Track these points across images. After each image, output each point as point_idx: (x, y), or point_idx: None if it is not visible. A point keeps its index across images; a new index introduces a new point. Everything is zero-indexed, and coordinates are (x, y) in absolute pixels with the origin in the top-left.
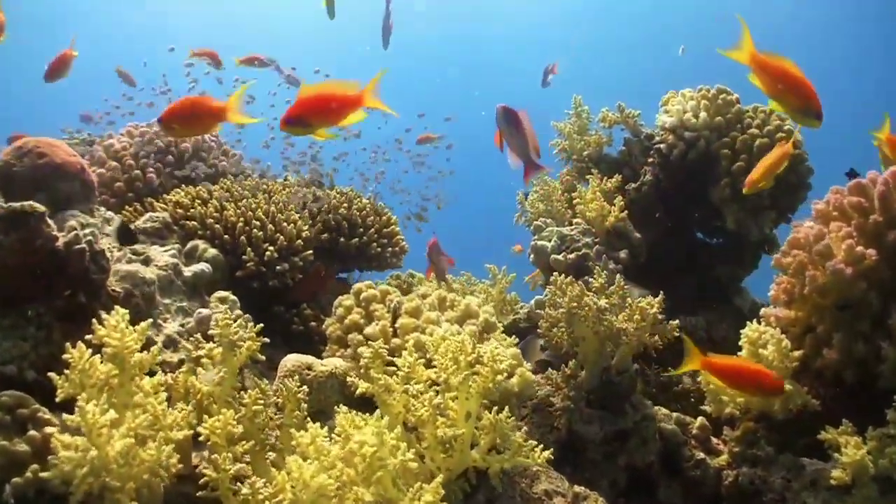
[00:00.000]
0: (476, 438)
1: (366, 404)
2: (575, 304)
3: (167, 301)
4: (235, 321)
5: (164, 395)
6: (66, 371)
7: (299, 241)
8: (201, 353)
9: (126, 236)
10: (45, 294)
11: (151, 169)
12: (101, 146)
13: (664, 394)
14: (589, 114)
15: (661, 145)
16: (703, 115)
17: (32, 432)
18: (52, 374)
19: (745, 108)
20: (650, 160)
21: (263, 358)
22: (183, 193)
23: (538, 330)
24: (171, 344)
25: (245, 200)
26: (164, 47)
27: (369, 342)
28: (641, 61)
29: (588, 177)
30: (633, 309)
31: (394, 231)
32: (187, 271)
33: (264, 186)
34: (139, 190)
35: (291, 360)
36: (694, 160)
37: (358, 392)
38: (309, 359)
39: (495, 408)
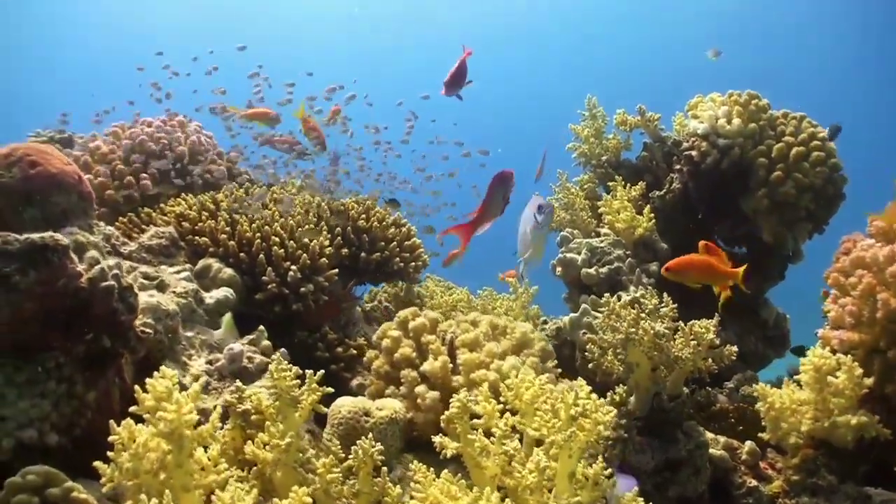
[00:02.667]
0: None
1: (423, 446)
2: (632, 329)
3: (189, 334)
4: (291, 370)
5: (225, 472)
6: (111, 454)
7: (323, 259)
8: (248, 406)
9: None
10: (64, 339)
11: (145, 175)
12: (86, 149)
13: (700, 413)
14: (605, 116)
15: (693, 152)
16: (736, 121)
17: None
18: (98, 464)
19: (776, 113)
20: (677, 167)
21: (327, 411)
22: (186, 204)
23: (585, 353)
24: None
25: (259, 212)
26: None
27: (429, 381)
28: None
29: (611, 184)
30: (686, 332)
31: (415, 244)
32: (209, 298)
33: (275, 196)
34: (132, 198)
35: (346, 405)
36: (727, 168)
37: (449, 454)
38: (364, 402)
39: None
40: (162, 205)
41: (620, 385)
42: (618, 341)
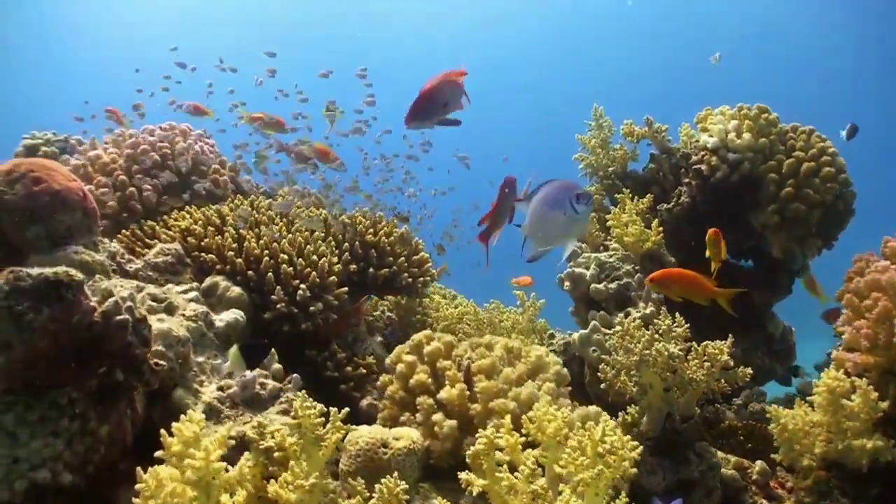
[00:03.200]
0: None
1: (439, 474)
2: (647, 351)
3: (200, 359)
4: (315, 407)
5: None
6: (137, 501)
7: (332, 277)
8: (271, 444)
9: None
10: (77, 374)
11: (148, 186)
12: (87, 158)
13: (709, 431)
14: (611, 126)
15: (702, 166)
16: (746, 135)
17: None
18: None
19: (785, 126)
20: (685, 180)
21: (351, 450)
22: (192, 218)
23: (598, 374)
24: (212, 414)
25: (266, 228)
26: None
27: (445, 409)
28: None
29: (619, 196)
30: (700, 353)
31: (423, 259)
32: (219, 321)
33: (297, 212)
34: (135, 210)
35: (363, 436)
36: (736, 183)
37: (475, 492)
38: (381, 432)
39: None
40: (165, 217)
41: (633, 405)
42: (632, 363)
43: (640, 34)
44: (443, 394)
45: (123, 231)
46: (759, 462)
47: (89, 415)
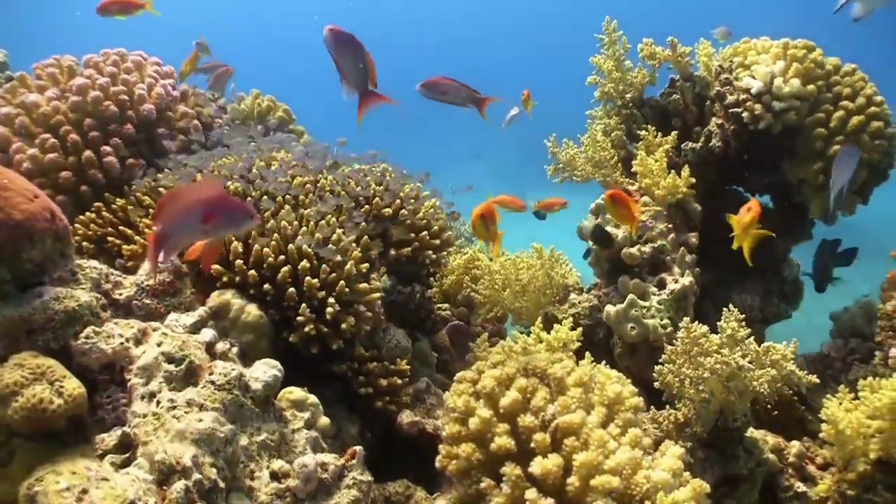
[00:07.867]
0: None
1: None
2: (718, 365)
3: (244, 441)
4: None
5: None
6: None
7: (363, 284)
8: None
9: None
10: None
11: (107, 147)
12: (20, 104)
13: None
14: (626, 42)
15: (743, 113)
16: (794, 81)
17: None
18: None
19: (829, 65)
20: (719, 121)
21: None
22: None
23: (654, 375)
24: None
25: (274, 221)
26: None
27: (538, 484)
28: None
29: (642, 133)
30: (761, 357)
31: (443, 226)
32: (255, 383)
33: (281, 179)
34: (97, 181)
35: None
36: (778, 133)
37: None
38: None
39: None
40: (138, 194)
41: (684, 402)
42: (699, 376)
43: None
44: (536, 468)
45: (88, 213)
46: (795, 444)
47: None
